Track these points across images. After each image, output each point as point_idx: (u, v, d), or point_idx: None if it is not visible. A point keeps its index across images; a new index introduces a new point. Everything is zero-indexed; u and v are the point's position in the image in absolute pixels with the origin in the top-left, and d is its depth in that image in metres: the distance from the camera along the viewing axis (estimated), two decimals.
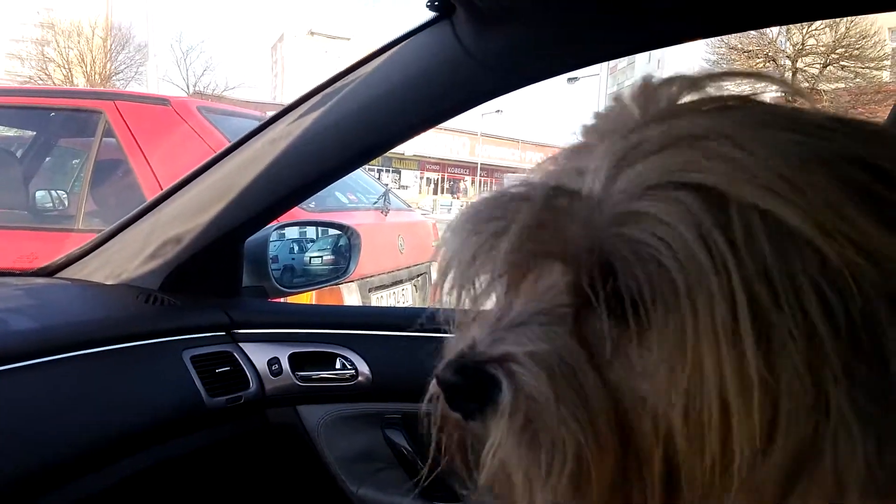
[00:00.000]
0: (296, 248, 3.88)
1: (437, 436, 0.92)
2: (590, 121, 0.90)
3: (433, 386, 0.89)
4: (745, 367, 0.66)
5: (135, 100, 5.31)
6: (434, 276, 0.97)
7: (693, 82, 0.85)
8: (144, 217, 2.21)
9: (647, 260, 0.70)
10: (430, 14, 1.86)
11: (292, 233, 3.91)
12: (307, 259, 3.87)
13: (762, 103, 0.82)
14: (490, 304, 0.94)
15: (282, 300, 2.70)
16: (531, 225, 0.77)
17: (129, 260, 2.18)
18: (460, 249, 0.86)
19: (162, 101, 5.23)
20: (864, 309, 0.65)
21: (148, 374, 1.89)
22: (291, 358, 2.18)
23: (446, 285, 0.92)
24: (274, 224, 2.51)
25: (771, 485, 0.69)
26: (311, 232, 4.12)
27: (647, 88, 0.86)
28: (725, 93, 0.84)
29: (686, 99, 0.84)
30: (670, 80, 0.86)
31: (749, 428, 0.66)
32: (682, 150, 0.74)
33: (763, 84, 0.88)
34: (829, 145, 0.71)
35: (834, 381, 0.65)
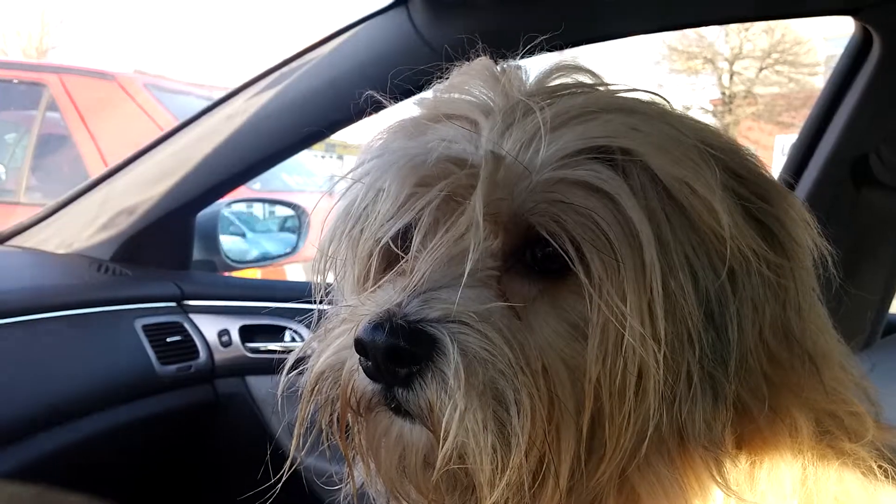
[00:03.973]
0: (244, 227, 3.91)
1: (317, 416, 0.86)
2: (441, 98, 0.92)
3: (326, 355, 0.84)
4: (658, 327, 0.74)
5: (79, 73, 5.21)
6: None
7: (548, 71, 0.91)
8: (97, 188, 2.22)
9: (591, 225, 0.76)
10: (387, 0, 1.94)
11: (241, 212, 3.94)
12: (255, 238, 3.90)
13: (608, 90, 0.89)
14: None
15: (231, 274, 2.74)
16: (491, 190, 0.78)
17: (81, 230, 2.20)
18: (394, 207, 0.84)
19: (107, 75, 5.15)
20: (720, 284, 0.76)
21: (100, 340, 1.93)
22: (242, 330, 2.23)
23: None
24: (225, 199, 2.55)
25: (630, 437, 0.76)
26: (259, 211, 4.15)
27: (498, 73, 0.90)
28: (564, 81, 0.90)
29: (552, 83, 0.89)
30: (517, 67, 0.92)
31: (658, 379, 0.74)
32: (597, 121, 0.80)
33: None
34: (704, 140, 0.81)
35: (693, 343, 0.75)
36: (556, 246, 0.78)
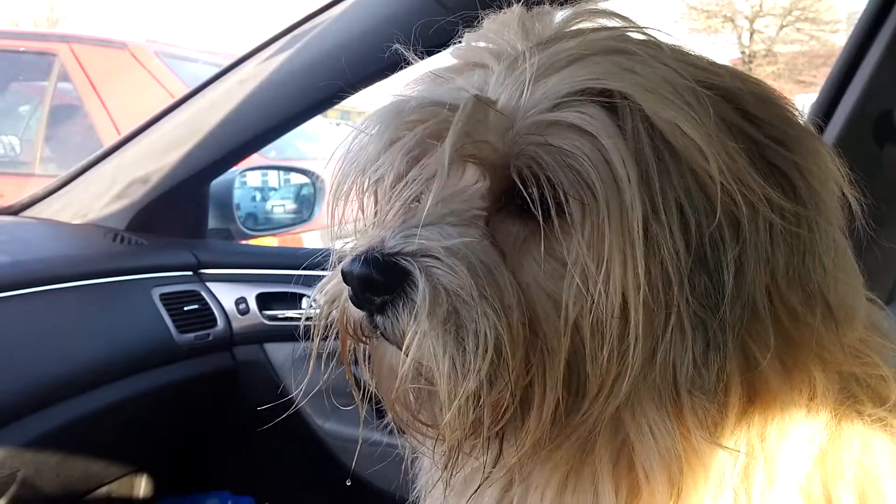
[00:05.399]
0: (258, 196, 3.90)
1: (330, 344, 0.93)
2: (469, 44, 0.94)
3: (330, 285, 0.90)
4: (637, 268, 0.74)
5: (90, 42, 5.18)
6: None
7: (569, 16, 0.91)
8: (110, 157, 2.21)
9: (571, 167, 0.77)
10: None
11: (255, 180, 3.93)
12: (269, 207, 3.89)
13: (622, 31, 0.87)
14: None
15: (247, 242, 2.74)
16: (465, 130, 0.80)
17: (95, 200, 2.20)
18: (388, 152, 0.88)
19: (119, 44, 5.12)
20: (714, 229, 0.74)
21: (118, 309, 1.93)
22: (259, 298, 2.23)
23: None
24: (239, 167, 2.54)
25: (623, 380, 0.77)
26: (273, 179, 4.14)
27: (525, 19, 0.91)
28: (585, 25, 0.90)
29: (568, 28, 0.89)
30: (545, 13, 0.92)
31: (638, 321, 0.75)
32: (590, 63, 0.80)
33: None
34: (705, 81, 0.79)
35: (679, 287, 0.74)
36: (535, 189, 0.79)
